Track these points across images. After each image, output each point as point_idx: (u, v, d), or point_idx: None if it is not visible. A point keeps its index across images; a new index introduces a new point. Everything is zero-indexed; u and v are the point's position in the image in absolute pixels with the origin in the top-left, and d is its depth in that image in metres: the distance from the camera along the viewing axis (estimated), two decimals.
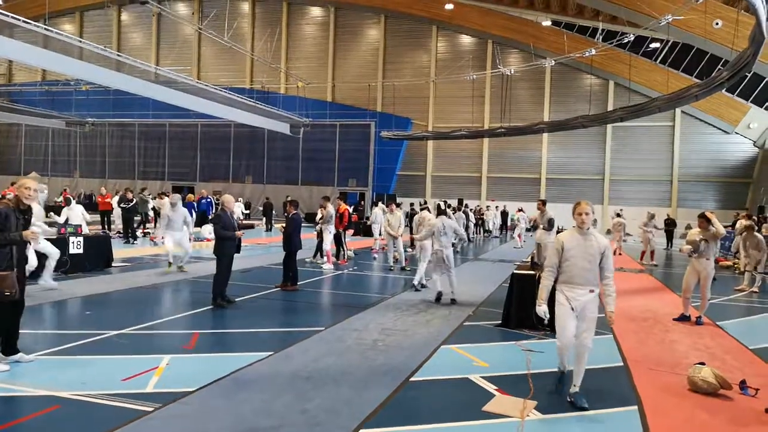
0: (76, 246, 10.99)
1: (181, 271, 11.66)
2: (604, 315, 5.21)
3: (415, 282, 10.59)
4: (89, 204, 26.70)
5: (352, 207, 26.62)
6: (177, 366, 5.49)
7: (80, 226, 11.78)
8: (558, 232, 22.06)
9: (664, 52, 30.63)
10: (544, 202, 11.68)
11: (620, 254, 18.75)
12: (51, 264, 9.41)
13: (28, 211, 5.41)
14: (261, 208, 27.85)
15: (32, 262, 8.77)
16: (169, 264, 11.82)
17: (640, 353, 6.56)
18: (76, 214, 12.93)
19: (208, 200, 21.53)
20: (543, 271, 5.03)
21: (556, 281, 5.02)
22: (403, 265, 13.87)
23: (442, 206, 12.07)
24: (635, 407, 4.80)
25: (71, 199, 14.26)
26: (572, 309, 4.82)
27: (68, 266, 10.72)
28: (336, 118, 37.07)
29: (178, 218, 11.87)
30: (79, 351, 5.89)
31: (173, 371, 5.32)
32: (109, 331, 6.66)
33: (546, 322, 5.18)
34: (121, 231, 18.39)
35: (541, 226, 11.10)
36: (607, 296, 4.94)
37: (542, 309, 4.89)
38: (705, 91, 20.57)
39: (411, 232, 14.29)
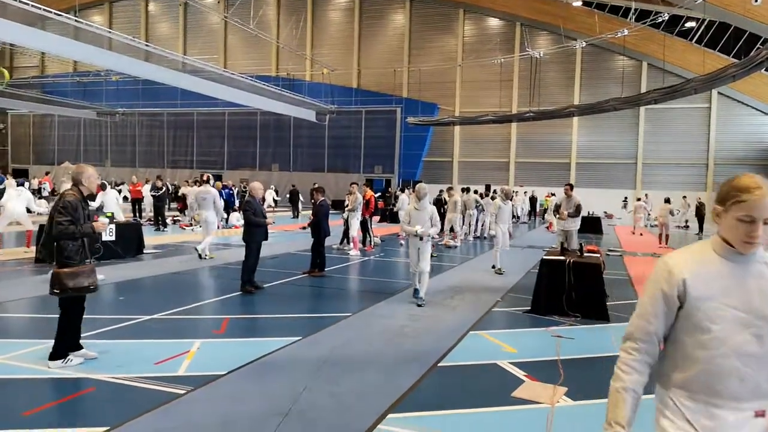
0: (108, 233, 11.22)
1: None
2: None
3: (498, 266, 11.03)
4: (120, 192, 27.28)
5: (378, 193, 26.61)
6: (207, 350, 5.58)
7: (113, 213, 12.03)
8: (589, 218, 22.31)
9: (700, 32, 29.57)
10: (571, 187, 11.41)
11: (641, 234, 21.29)
12: None
13: (87, 201, 5.26)
14: (288, 195, 28.07)
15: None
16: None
17: None
18: (110, 199, 13.20)
19: (228, 191, 21.63)
20: (621, 349, 2.00)
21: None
22: None
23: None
24: None
25: (106, 184, 14.45)
26: None
27: (101, 253, 10.96)
28: (362, 104, 36.97)
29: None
30: (113, 335, 6.02)
31: (204, 355, 5.40)
32: (142, 316, 6.80)
33: None
34: (152, 218, 18.75)
35: (567, 213, 10.89)
36: None
37: None
38: (743, 71, 19.86)
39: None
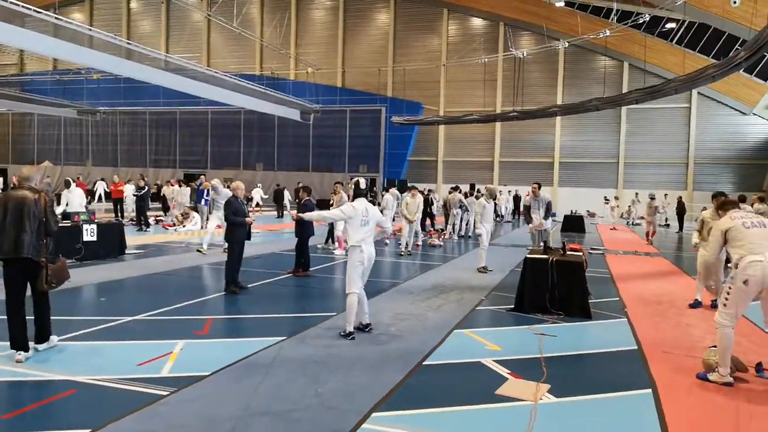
0: (90, 234, 11.08)
1: None
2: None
3: (482, 265, 11.06)
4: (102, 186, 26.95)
5: None
6: (191, 351, 5.54)
7: (93, 212, 11.86)
8: (572, 216, 23.20)
9: (680, 33, 30.01)
10: (539, 185, 11.53)
11: (614, 229, 23.48)
12: None
13: None
14: (273, 195, 28.00)
15: None
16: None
17: (655, 337, 6.50)
18: (75, 196, 12.83)
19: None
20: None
21: None
22: (410, 249, 13.90)
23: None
24: (649, 391, 4.76)
25: (70, 181, 13.68)
26: None
27: (82, 254, 10.83)
28: (346, 103, 36.92)
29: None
30: (95, 337, 5.95)
31: (187, 356, 5.36)
32: (124, 317, 6.73)
33: None
34: (134, 218, 18.55)
35: (540, 212, 11.05)
36: None
37: None
38: (722, 71, 20.18)
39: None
